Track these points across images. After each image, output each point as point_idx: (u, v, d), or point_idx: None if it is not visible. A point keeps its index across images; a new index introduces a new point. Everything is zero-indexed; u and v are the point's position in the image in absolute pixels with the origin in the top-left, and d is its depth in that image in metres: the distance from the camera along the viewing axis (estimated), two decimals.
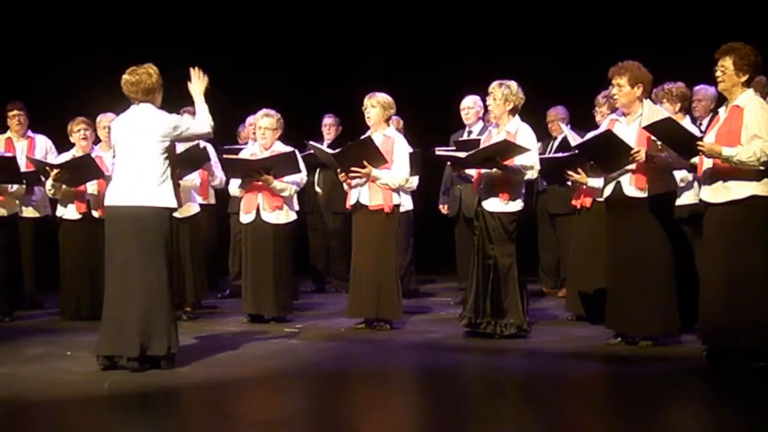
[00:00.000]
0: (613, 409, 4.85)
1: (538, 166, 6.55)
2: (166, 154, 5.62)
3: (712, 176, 5.58)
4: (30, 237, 8.27)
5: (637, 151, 5.92)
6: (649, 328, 6.10)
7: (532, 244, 8.84)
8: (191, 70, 5.85)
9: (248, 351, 6.26)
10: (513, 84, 6.57)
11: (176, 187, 5.74)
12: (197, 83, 5.85)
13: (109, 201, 5.65)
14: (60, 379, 5.38)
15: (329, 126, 9.31)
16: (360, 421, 4.69)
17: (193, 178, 7.59)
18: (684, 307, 6.17)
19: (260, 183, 7.28)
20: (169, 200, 5.60)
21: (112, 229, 5.60)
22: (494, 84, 6.61)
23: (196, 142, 7.49)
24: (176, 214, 7.44)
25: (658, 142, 5.92)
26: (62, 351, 6.17)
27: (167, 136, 5.60)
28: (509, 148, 6.41)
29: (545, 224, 9.06)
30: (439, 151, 7.12)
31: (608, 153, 6.07)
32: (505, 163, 6.43)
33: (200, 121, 5.79)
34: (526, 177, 6.53)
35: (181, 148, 7.36)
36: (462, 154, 6.70)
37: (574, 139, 6.72)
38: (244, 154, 7.62)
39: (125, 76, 5.64)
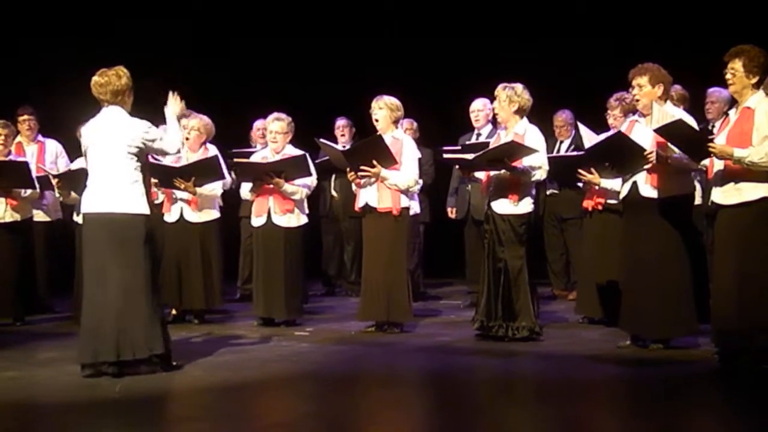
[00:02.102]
0: (624, 412, 4.83)
1: (546, 167, 6.54)
2: (137, 160, 5.56)
3: (723, 178, 5.57)
4: (41, 241, 8.29)
5: (651, 153, 5.91)
6: (665, 330, 6.09)
7: (541, 248, 8.84)
8: (170, 94, 5.82)
9: (258, 354, 6.27)
10: (518, 86, 6.57)
11: (148, 193, 5.67)
12: (172, 106, 5.80)
13: (84, 208, 5.63)
14: (71, 383, 5.38)
15: (342, 128, 9.29)
16: (370, 424, 4.69)
17: (214, 187, 7.53)
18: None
19: (271, 186, 7.29)
20: (141, 206, 5.54)
21: (87, 236, 5.58)
22: (499, 87, 6.62)
23: (215, 152, 7.52)
24: (193, 219, 7.53)
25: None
26: (73, 355, 6.13)
27: (138, 142, 5.54)
28: (516, 149, 6.40)
29: (554, 228, 9.04)
30: (447, 155, 7.12)
31: (622, 155, 6.06)
32: (514, 164, 6.43)
33: (170, 139, 5.72)
34: (535, 178, 6.52)
35: (195, 156, 7.41)
36: (469, 156, 6.70)
37: (589, 140, 6.70)
38: (255, 158, 7.63)
39: (94, 78, 5.60)
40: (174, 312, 7.64)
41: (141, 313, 5.47)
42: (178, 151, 5.95)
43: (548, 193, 8.82)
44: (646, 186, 6.02)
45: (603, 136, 6.61)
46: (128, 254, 5.47)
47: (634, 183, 6.08)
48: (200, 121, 7.58)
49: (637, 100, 6.13)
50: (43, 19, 10.27)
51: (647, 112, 6.10)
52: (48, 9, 10.24)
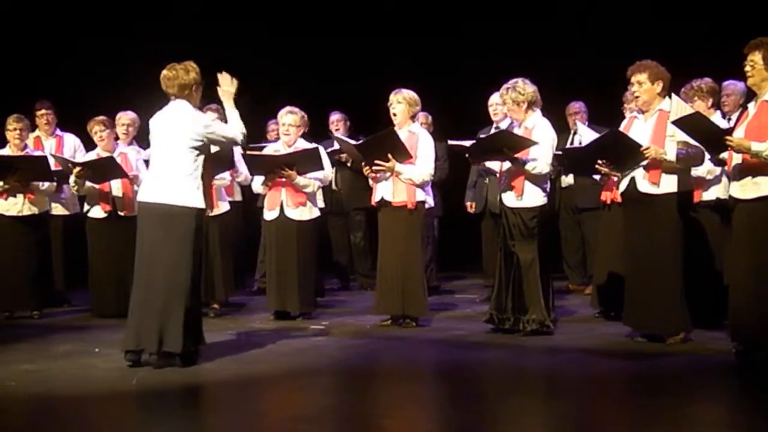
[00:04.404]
0: (638, 406, 4.79)
1: (548, 160, 6.48)
2: (197, 154, 5.63)
3: (741, 172, 5.54)
4: (59, 234, 8.33)
5: (647, 148, 5.89)
6: (659, 326, 6.08)
7: (557, 241, 8.81)
8: (219, 75, 5.86)
9: (274, 348, 6.28)
10: (519, 83, 6.52)
11: (206, 188, 5.73)
12: (227, 88, 5.87)
13: (141, 196, 5.72)
14: (88, 376, 5.43)
15: (336, 122, 9.28)
16: (386, 418, 4.69)
17: (224, 176, 7.64)
18: (710, 303, 6.14)
19: (284, 179, 7.30)
20: (196, 200, 5.60)
21: (141, 224, 5.66)
22: (501, 90, 6.59)
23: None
24: (208, 213, 7.56)
25: (676, 139, 5.88)
26: (91, 348, 6.22)
27: (198, 136, 5.61)
28: (510, 139, 6.35)
29: (570, 221, 9.00)
30: (452, 142, 7.09)
31: (619, 152, 6.06)
32: (517, 156, 6.40)
33: (231, 127, 5.79)
34: (535, 170, 6.44)
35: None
36: (467, 143, 6.69)
37: (589, 137, 6.70)
38: (267, 151, 7.65)
39: (164, 72, 5.69)
40: None
41: (181, 307, 5.51)
42: (244, 137, 5.92)
43: (564, 185, 8.77)
44: (644, 182, 6.01)
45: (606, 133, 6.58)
46: (177, 246, 5.52)
47: (632, 178, 6.07)
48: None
49: (636, 97, 6.11)
50: (71, 16, 10.33)
51: (646, 108, 6.09)
52: (78, 8, 10.29)
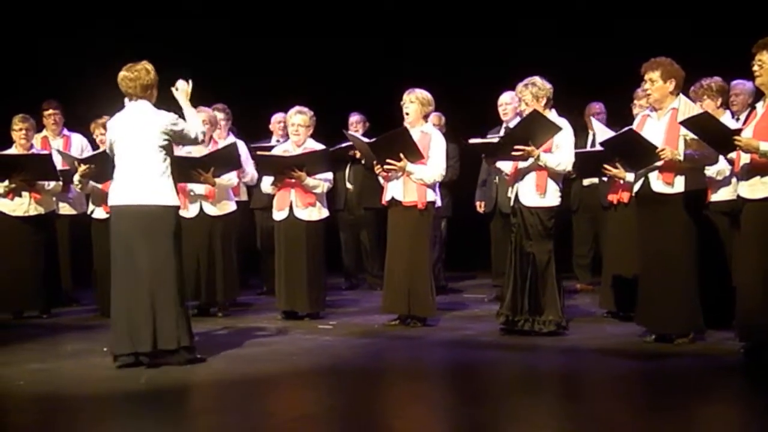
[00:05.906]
0: (649, 406, 4.79)
1: (571, 157, 6.45)
2: (166, 153, 5.61)
3: (749, 172, 5.54)
4: (67, 234, 8.35)
5: (662, 150, 5.87)
6: (671, 325, 6.06)
7: (568, 241, 8.78)
8: (179, 81, 5.84)
9: (282, 347, 6.28)
10: (537, 79, 6.51)
11: (175, 186, 5.70)
12: (183, 88, 5.83)
13: (112, 200, 5.66)
14: (97, 375, 5.43)
15: (355, 123, 9.28)
16: (394, 418, 4.69)
17: (231, 177, 7.60)
18: (721, 304, 6.12)
19: (293, 180, 7.30)
20: (171, 198, 5.59)
21: (117, 228, 5.61)
22: (519, 87, 6.56)
23: (232, 141, 7.55)
24: (212, 212, 7.56)
25: (688, 137, 5.87)
26: (99, 347, 6.19)
27: (166, 134, 5.59)
28: (539, 121, 6.32)
29: (585, 221, 8.95)
30: (473, 141, 7.06)
31: (633, 151, 6.04)
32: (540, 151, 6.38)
33: (192, 124, 5.75)
34: (560, 167, 6.42)
35: (207, 149, 7.40)
36: (495, 139, 6.66)
37: (602, 136, 6.68)
38: (276, 152, 7.64)
39: (123, 73, 5.63)
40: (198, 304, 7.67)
41: (171, 304, 5.53)
42: (204, 135, 5.92)
43: (586, 184, 8.69)
44: (658, 182, 6.00)
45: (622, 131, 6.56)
46: (159, 245, 5.52)
47: (646, 178, 6.06)
48: (207, 114, 7.53)
49: (649, 95, 6.10)
50: (58, 18, 10.34)
51: (659, 106, 6.08)
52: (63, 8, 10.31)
